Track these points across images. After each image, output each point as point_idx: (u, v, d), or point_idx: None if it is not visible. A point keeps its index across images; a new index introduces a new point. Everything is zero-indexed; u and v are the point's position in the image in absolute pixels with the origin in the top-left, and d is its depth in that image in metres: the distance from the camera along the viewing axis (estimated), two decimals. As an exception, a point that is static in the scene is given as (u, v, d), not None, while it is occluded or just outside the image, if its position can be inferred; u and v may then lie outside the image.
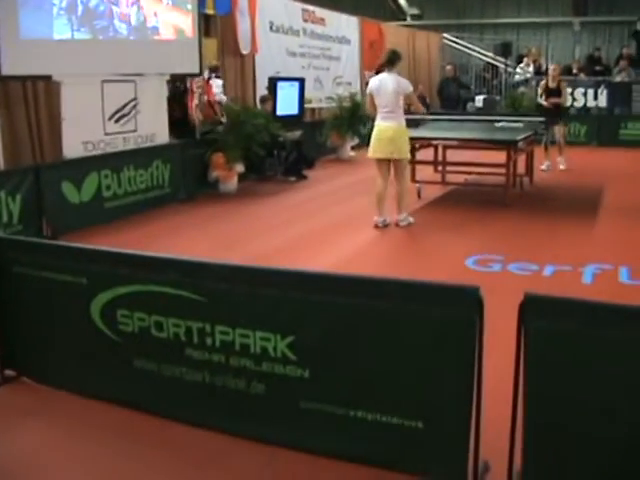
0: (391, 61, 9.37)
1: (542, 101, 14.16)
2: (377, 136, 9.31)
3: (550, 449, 3.40)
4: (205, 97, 12.90)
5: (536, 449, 3.41)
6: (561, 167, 14.36)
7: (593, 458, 3.34)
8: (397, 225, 9.43)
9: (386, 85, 9.23)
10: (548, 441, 3.39)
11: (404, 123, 9.34)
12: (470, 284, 3.46)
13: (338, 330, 3.74)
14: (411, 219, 9.54)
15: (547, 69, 20.06)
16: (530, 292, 3.33)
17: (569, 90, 20.22)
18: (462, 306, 3.43)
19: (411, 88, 9.45)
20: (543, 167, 14.02)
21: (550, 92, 14.02)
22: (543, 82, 14.49)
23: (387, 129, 9.21)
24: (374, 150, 9.35)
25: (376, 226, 9.50)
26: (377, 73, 9.57)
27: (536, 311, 3.30)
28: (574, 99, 20.52)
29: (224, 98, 13.21)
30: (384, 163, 9.42)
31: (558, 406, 3.34)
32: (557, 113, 13.90)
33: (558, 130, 14.33)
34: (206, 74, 12.95)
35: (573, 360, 3.27)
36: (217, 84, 13.22)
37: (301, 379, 3.86)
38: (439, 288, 3.60)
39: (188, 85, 12.51)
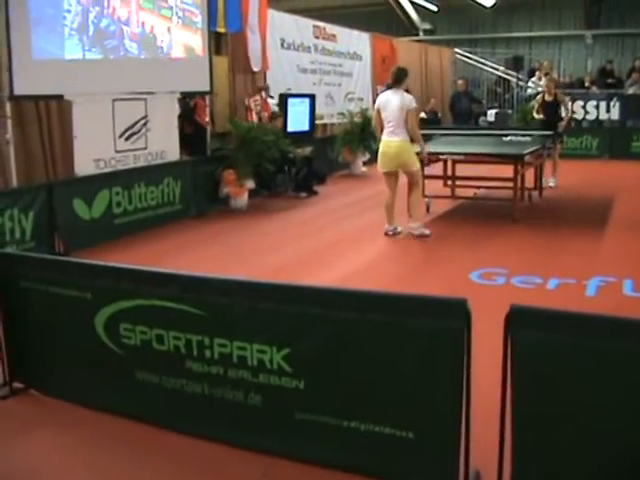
0: (398, 79, 9.57)
1: (536, 115, 14.11)
2: (382, 150, 9.61)
3: (539, 458, 3.46)
4: (265, 113, 14.32)
5: (525, 458, 3.48)
6: (550, 185, 13.80)
7: (582, 468, 3.40)
8: (410, 233, 9.62)
9: (392, 102, 9.44)
10: (537, 451, 3.46)
11: (408, 138, 9.49)
12: (458, 296, 3.54)
13: (332, 342, 3.82)
14: (427, 231, 9.70)
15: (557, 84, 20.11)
16: (516, 304, 3.41)
17: (581, 103, 20.33)
18: (450, 318, 3.51)
19: (414, 104, 9.52)
20: (550, 184, 13.76)
21: (547, 106, 13.86)
22: (539, 96, 14.38)
23: (391, 144, 9.45)
24: (380, 164, 9.71)
25: (386, 234, 9.89)
26: (388, 88, 9.75)
27: (522, 323, 3.38)
28: (586, 112, 20.55)
29: (278, 112, 14.53)
30: (391, 176, 9.75)
31: (546, 416, 3.40)
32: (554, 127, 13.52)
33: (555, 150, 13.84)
34: (263, 94, 14.55)
35: (560, 371, 3.34)
36: (272, 102, 14.85)
37: (296, 390, 3.95)
38: (428, 300, 3.68)
39: (246, 103, 14.21)
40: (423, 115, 20.58)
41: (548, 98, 13.86)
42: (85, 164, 9.78)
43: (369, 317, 3.71)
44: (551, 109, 13.80)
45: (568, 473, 3.44)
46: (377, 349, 3.73)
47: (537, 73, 22.96)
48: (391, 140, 9.46)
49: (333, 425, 3.89)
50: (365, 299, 3.82)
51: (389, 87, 9.71)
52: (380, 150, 9.67)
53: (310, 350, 3.88)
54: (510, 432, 3.49)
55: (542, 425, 3.43)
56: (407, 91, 9.81)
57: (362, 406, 3.83)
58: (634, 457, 3.27)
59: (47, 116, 10.07)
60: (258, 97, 14.63)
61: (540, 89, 21.71)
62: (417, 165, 9.67)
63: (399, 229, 9.97)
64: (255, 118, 14.17)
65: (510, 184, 10.72)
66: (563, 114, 13.88)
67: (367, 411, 3.82)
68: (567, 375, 3.34)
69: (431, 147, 11.07)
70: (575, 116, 20.05)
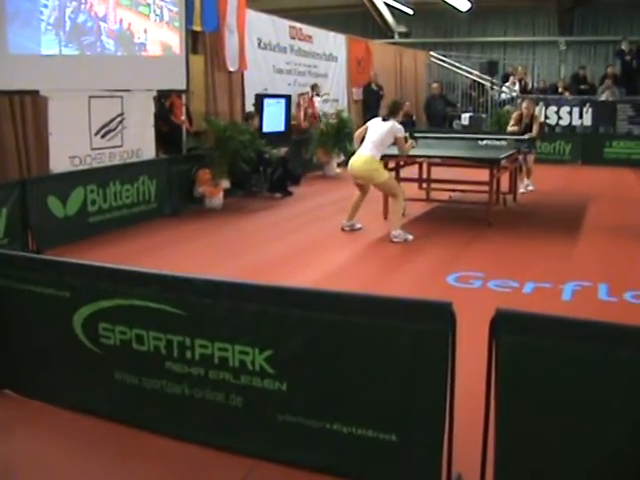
0: (393, 112, 10.10)
1: (510, 129, 13.88)
2: (351, 161, 10.04)
3: (522, 461, 3.47)
4: (310, 110, 16.89)
5: (508, 461, 3.48)
6: (530, 188, 13.99)
7: (564, 471, 3.41)
8: (391, 241, 9.60)
9: (382, 126, 9.88)
10: (519, 454, 3.46)
11: (378, 157, 9.80)
12: (443, 299, 3.54)
13: (315, 344, 3.81)
14: (410, 236, 9.72)
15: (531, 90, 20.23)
16: (501, 308, 3.41)
17: (554, 108, 20.47)
18: (435, 321, 3.51)
19: (402, 133, 10.01)
20: (521, 189, 13.73)
21: (524, 126, 13.63)
22: (517, 113, 14.14)
23: (360, 156, 9.85)
24: (349, 172, 10.19)
25: (342, 229, 10.29)
26: (383, 119, 10.04)
27: (507, 326, 3.38)
28: (559, 117, 20.68)
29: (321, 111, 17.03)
30: (359, 185, 10.17)
31: (529, 420, 3.41)
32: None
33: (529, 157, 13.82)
34: (310, 92, 17.21)
35: (543, 374, 3.35)
36: (318, 100, 17.33)
37: (279, 392, 3.92)
38: (413, 303, 3.67)
39: (296, 100, 16.61)
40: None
41: (526, 120, 13.66)
42: (60, 161, 9.70)
43: (353, 319, 3.70)
44: (526, 130, 13.57)
45: (551, 476, 3.44)
46: (361, 351, 3.72)
47: (511, 78, 23.12)
48: (362, 154, 9.83)
49: (315, 427, 3.87)
50: (349, 301, 3.81)
51: (384, 119, 9.98)
52: (350, 162, 10.05)
53: (293, 352, 3.86)
54: (493, 435, 3.48)
55: (525, 429, 3.43)
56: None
57: (345, 408, 3.81)
58: (618, 459, 3.29)
59: (22, 112, 9.97)
60: (307, 96, 17.15)
61: (514, 94, 21.88)
62: (382, 177, 9.83)
63: (357, 226, 10.34)
64: (302, 114, 16.84)
65: (486, 188, 10.75)
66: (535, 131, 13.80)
67: (350, 413, 3.80)
68: (551, 379, 3.35)
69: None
70: (549, 121, 20.20)
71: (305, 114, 17.16)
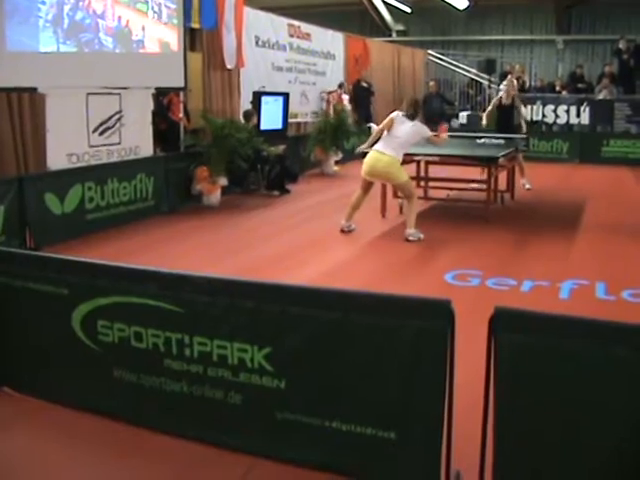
0: (413, 115, 9.72)
1: (485, 120, 13.91)
2: (371, 160, 9.67)
3: (520, 459, 3.47)
4: (339, 106, 17.93)
5: (506, 459, 3.48)
6: (527, 187, 13.84)
7: (563, 469, 3.41)
8: (406, 240, 9.54)
9: (408, 126, 9.61)
10: (518, 451, 3.47)
11: (400, 158, 9.64)
12: (442, 297, 3.54)
13: (314, 342, 3.81)
14: (421, 235, 9.63)
15: (529, 88, 20.20)
16: (500, 306, 3.41)
17: (552, 107, 20.46)
18: (434, 319, 3.51)
19: (429, 134, 9.93)
20: (527, 186, 13.81)
21: (503, 110, 13.65)
22: (496, 98, 14.07)
23: (382, 157, 9.53)
24: (365, 171, 9.78)
25: (342, 230, 10.07)
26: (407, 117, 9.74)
27: (506, 324, 3.39)
28: (557, 116, 20.69)
29: (349, 107, 18.53)
30: (368, 182, 9.89)
31: (528, 418, 3.42)
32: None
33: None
34: (338, 90, 18.89)
35: (542, 373, 3.35)
36: (346, 98, 18.84)
37: (277, 390, 3.93)
38: (412, 301, 3.68)
39: (325, 97, 18.41)
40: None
41: (505, 102, 13.63)
42: (58, 158, 9.70)
43: (352, 317, 3.70)
44: (506, 114, 13.61)
45: (550, 474, 3.44)
46: (359, 349, 3.72)
47: (509, 76, 23.04)
48: (383, 153, 9.50)
49: (314, 425, 3.87)
50: (348, 299, 3.81)
51: (409, 117, 9.68)
52: (369, 158, 9.68)
53: (291, 349, 3.86)
54: (492, 433, 3.49)
55: (524, 427, 3.44)
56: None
57: (344, 406, 3.81)
58: (617, 457, 3.29)
59: (19, 109, 9.95)
60: (336, 93, 18.58)
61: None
62: (403, 178, 9.71)
63: (353, 227, 10.14)
64: (331, 110, 17.79)
65: (483, 186, 10.75)
66: (518, 120, 13.72)
67: (349, 411, 3.80)
68: (549, 377, 3.36)
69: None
70: (546, 120, 20.23)
71: (334, 110, 17.76)
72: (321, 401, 3.87)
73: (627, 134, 19.74)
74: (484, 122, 13.88)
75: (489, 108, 14.00)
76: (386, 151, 9.50)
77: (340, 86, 19.24)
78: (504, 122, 13.61)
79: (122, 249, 9.01)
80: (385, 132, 9.69)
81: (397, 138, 9.54)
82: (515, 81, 14.23)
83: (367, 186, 9.92)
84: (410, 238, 9.57)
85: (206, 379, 4.13)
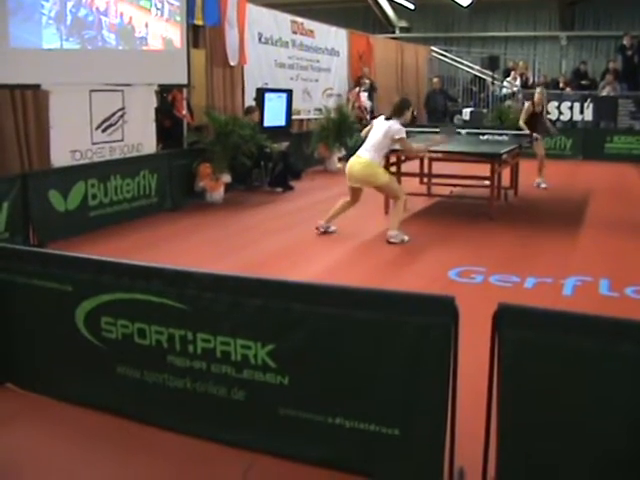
0: (397, 111, 9.50)
1: (524, 126, 13.70)
2: (349, 165, 9.54)
3: (523, 456, 3.47)
4: (357, 104, 18.82)
5: (510, 455, 3.48)
6: (543, 186, 13.95)
7: (566, 465, 3.41)
8: (387, 241, 9.33)
9: (381, 127, 9.36)
10: (521, 448, 3.47)
11: (377, 161, 9.32)
12: (446, 294, 3.54)
13: (317, 338, 3.81)
14: (405, 237, 9.38)
15: (532, 85, 20.21)
16: (503, 302, 3.41)
17: (555, 104, 20.48)
18: (438, 315, 3.51)
19: (401, 135, 9.32)
20: (543, 185, 13.90)
21: (535, 118, 13.71)
22: (528, 104, 14.02)
23: (359, 160, 9.34)
24: (347, 177, 9.58)
25: (316, 228, 9.85)
26: (387, 119, 9.48)
27: (509, 321, 3.38)
28: (560, 113, 20.69)
29: (369, 104, 19.26)
30: (354, 189, 9.64)
31: (531, 414, 3.42)
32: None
33: (538, 149, 13.89)
34: (357, 89, 19.43)
35: (545, 369, 3.36)
36: (364, 95, 19.38)
37: (280, 386, 3.93)
38: (416, 298, 3.67)
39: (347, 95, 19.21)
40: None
41: (537, 109, 13.74)
42: (61, 155, 9.71)
43: (355, 313, 3.70)
44: (538, 120, 13.70)
45: (553, 470, 3.44)
46: (363, 345, 3.72)
47: (512, 73, 23.10)
48: (360, 157, 9.34)
49: (317, 421, 3.87)
50: (351, 295, 3.80)
51: (387, 118, 9.44)
52: (349, 163, 9.57)
53: (295, 346, 3.86)
54: (495, 429, 3.49)
55: (527, 423, 3.44)
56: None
57: (347, 402, 3.81)
58: (620, 453, 3.29)
59: (23, 106, 9.92)
60: (354, 92, 19.21)
61: (515, 89, 21.87)
62: (382, 179, 9.39)
63: (332, 229, 9.90)
64: (350, 107, 18.55)
65: (487, 183, 10.74)
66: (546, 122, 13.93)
67: (352, 407, 3.80)
68: (553, 373, 3.36)
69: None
70: (550, 117, 20.24)
71: (352, 107, 18.60)
72: (324, 397, 3.87)
73: (631, 130, 19.72)
74: (524, 127, 13.77)
75: (524, 117, 13.86)
76: (362, 154, 9.36)
77: (359, 84, 19.54)
78: (534, 128, 13.61)
79: (125, 246, 9.02)
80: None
81: (372, 141, 9.36)
82: (544, 91, 14.36)
83: (353, 193, 9.66)
84: (392, 240, 9.33)
85: (209, 375, 4.13)
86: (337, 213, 9.88)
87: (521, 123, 13.87)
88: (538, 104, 13.81)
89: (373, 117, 19.17)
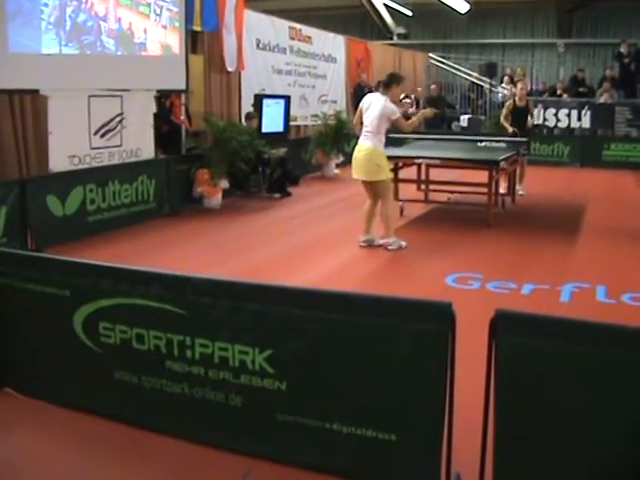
0: (386, 84, 9.17)
1: (506, 124, 13.53)
2: (354, 155, 9.20)
3: (520, 462, 3.48)
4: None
5: (507, 462, 3.48)
6: (520, 193, 13.51)
7: (563, 471, 3.42)
8: (386, 249, 9.22)
9: (374, 107, 9.02)
10: (518, 454, 3.47)
11: (380, 147, 9.05)
12: (443, 300, 3.55)
13: (315, 344, 3.82)
14: (403, 243, 9.23)
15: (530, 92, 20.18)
16: (501, 308, 3.42)
17: (553, 111, 20.50)
18: (435, 321, 3.52)
19: (397, 115, 9.07)
20: (520, 192, 13.52)
21: (518, 112, 13.44)
22: (509, 101, 13.91)
23: (361, 149, 9.03)
24: (353, 170, 9.23)
25: (360, 245, 9.38)
26: (376, 89, 9.28)
27: (506, 327, 3.39)
28: (558, 120, 20.72)
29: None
30: (365, 184, 9.25)
31: (528, 420, 3.42)
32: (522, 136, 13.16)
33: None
34: (402, 95, 18.37)
35: (542, 375, 3.36)
36: (406, 102, 20.01)
37: (278, 392, 3.93)
38: (413, 304, 3.68)
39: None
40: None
41: (520, 104, 13.49)
42: (59, 160, 9.72)
43: (353, 319, 3.71)
44: (521, 116, 13.42)
45: (550, 477, 3.45)
46: (360, 351, 3.73)
47: (505, 78, 23.12)
48: (362, 146, 9.05)
49: (315, 427, 3.88)
50: (349, 301, 3.81)
51: (376, 89, 9.25)
52: (353, 154, 9.24)
53: (293, 352, 3.87)
54: (492, 436, 3.50)
55: (524, 429, 3.44)
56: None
57: (345, 408, 3.82)
58: (617, 460, 3.30)
59: (21, 111, 9.94)
60: (404, 101, 19.41)
61: (507, 92, 21.86)
62: (383, 175, 9.07)
63: (376, 242, 9.41)
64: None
65: (484, 189, 10.75)
66: (530, 123, 13.74)
67: (350, 413, 3.81)
68: (550, 379, 3.36)
69: (406, 151, 11.07)
70: (547, 124, 20.29)
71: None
72: (322, 403, 3.87)
73: (628, 138, 19.79)
74: (507, 125, 13.61)
75: (504, 112, 13.76)
76: (363, 143, 9.05)
77: (407, 97, 20.31)
78: (518, 126, 13.39)
79: (124, 251, 9.02)
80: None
81: (368, 125, 9.00)
82: (518, 83, 14.23)
83: (366, 189, 9.29)
84: (389, 248, 9.16)
85: (207, 381, 4.13)
86: (369, 221, 9.41)
87: (502, 119, 13.76)
88: (521, 98, 13.57)
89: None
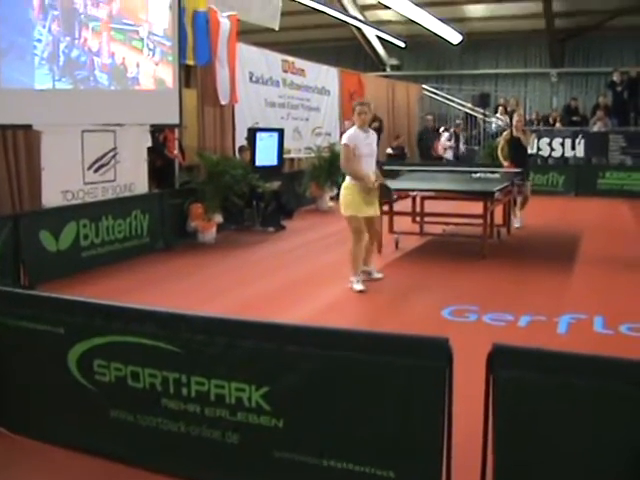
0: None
1: (501, 157, 13.44)
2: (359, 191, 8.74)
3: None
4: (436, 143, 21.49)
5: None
6: (517, 225, 13.41)
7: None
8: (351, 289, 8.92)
9: (372, 139, 8.88)
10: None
11: (347, 179, 8.74)
12: (439, 335, 3.52)
13: (312, 381, 3.78)
14: (362, 287, 8.81)
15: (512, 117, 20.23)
16: (498, 343, 3.40)
17: (547, 140, 20.57)
18: (432, 357, 3.49)
19: (343, 141, 8.70)
20: (516, 224, 13.40)
21: (515, 143, 13.27)
22: (506, 132, 13.78)
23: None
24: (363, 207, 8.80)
25: (364, 280, 9.05)
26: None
27: (504, 361, 3.37)
28: (552, 149, 20.79)
29: (448, 144, 21.68)
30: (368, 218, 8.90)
31: (526, 453, 3.40)
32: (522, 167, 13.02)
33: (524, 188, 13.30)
34: (441, 129, 22.31)
35: (541, 408, 3.35)
36: (445, 136, 21.89)
37: (275, 429, 3.89)
38: (410, 340, 3.65)
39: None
40: (390, 151, 20.72)
41: (517, 134, 13.30)
42: (53, 195, 9.70)
43: (349, 355, 3.67)
44: (519, 147, 13.25)
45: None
46: (357, 388, 3.69)
47: (500, 108, 23.22)
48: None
49: (312, 464, 3.83)
50: (345, 337, 3.79)
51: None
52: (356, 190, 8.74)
53: (289, 388, 3.83)
54: (491, 469, 3.47)
55: (523, 462, 3.42)
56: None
57: (342, 445, 3.77)
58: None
59: (14, 146, 9.91)
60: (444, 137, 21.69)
61: (501, 123, 21.92)
62: (345, 212, 8.73)
63: (376, 275, 9.36)
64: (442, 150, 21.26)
65: (479, 221, 10.75)
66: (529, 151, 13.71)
67: (347, 450, 3.76)
68: (548, 413, 3.35)
69: (401, 183, 11.06)
70: (541, 153, 20.34)
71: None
72: (319, 440, 3.83)
73: (622, 166, 19.87)
74: (504, 164, 13.44)
75: (501, 144, 13.70)
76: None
77: (446, 130, 22.32)
78: (518, 157, 13.22)
79: (118, 287, 8.98)
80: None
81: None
82: (515, 115, 14.12)
83: (365, 226, 8.81)
84: (349, 285, 8.89)
85: (203, 419, 4.09)
86: (367, 256, 9.18)
87: (500, 157, 13.64)
88: (518, 129, 13.37)
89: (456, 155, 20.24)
